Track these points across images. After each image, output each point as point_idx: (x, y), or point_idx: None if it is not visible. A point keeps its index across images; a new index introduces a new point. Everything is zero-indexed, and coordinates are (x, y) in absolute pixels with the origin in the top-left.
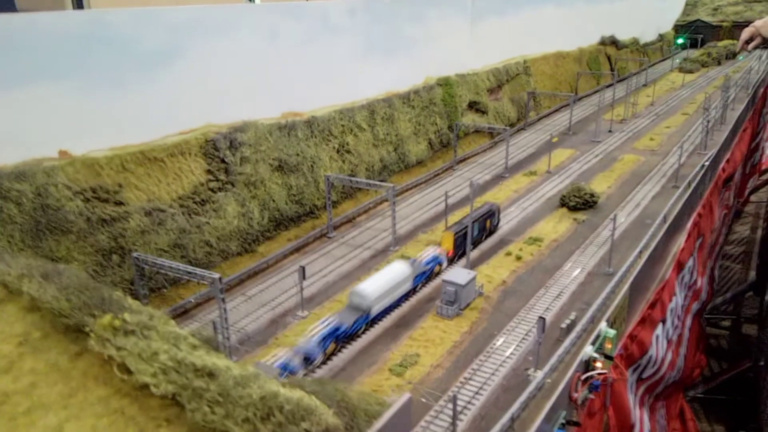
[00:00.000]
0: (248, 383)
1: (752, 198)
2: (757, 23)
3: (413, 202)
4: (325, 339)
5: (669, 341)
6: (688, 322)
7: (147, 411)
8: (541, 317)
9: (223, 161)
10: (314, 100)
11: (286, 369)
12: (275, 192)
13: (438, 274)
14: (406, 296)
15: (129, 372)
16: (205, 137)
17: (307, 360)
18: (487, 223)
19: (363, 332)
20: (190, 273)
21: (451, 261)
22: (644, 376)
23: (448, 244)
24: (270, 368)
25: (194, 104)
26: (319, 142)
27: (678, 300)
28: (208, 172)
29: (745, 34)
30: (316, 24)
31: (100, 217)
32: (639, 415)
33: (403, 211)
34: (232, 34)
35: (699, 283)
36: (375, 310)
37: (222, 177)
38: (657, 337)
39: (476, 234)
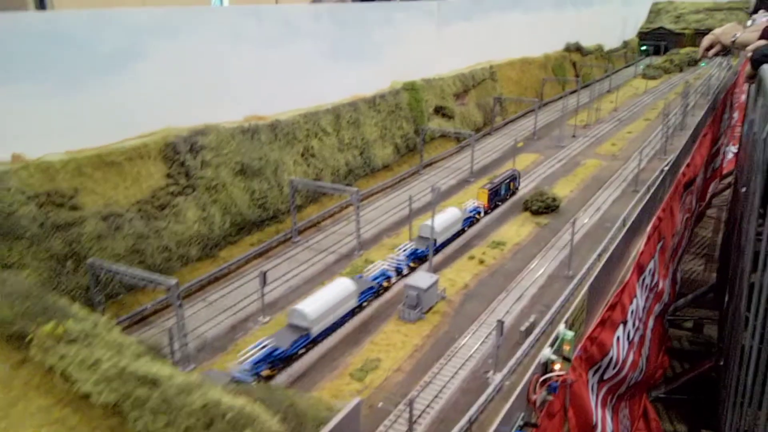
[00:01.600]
0: (191, 391)
1: (714, 201)
2: (717, 31)
3: (379, 206)
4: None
5: (631, 342)
6: (651, 323)
7: (89, 421)
8: (499, 321)
9: (183, 165)
10: (278, 103)
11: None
12: (237, 196)
13: (478, 221)
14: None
15: (71, 381)
16: (165, 140)
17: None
18: (511, 185)
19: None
20: (146, 279)
21: (487, 212)
22: (606, 377)
23: (484, 199)
24: (221, 376)
25: (155, 107)
26: (283, 146)
27: (639, 302)
28: (168, 176)
29: (706, 41)
30: (280, 28)
31: (54, 223)
32: (601, 416)
33: (368, 215)
34: (194, 37)
35: (661, 285)
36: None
37: (182, 181)
38: (618, 339)
39: (503, 192)
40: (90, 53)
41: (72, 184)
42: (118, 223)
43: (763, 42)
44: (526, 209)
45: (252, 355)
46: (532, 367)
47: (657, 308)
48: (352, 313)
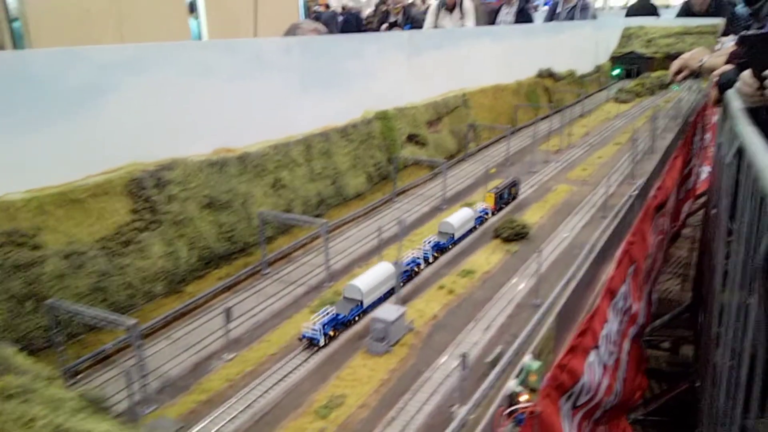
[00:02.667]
0: None
1: (690, 220)
2: (685, 56)
3: (351, 236)
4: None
5: (604, 367)
6: (626, 346)
7: None
8: (462, 354)
9: (148, 200)
10: (248, 135)
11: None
12: (205, 230)
13: (487, 220)
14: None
15: None
16: (130, 176)
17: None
18: (512, 189)
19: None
20: (105, 319)
21: (494, 213)
22: (579, 403)
23: (491, 201)
24: (168, 424)
25: (121, 142)
26: (252, 177)
27: (612, 326)
28: (133, 211)
29: (675, 66)
30: (251, 61)
31: (14, 263)
32: None
33: (340, 245)
34: (163, 72)
35: (635, 308)
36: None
37: (147, 216)
38: (590, 364)
39: (506, 196)
40: (56, 90)
41: (34, 223)
42: (80, 261)
43: (728, 67)
44: (496, 236)
45: (320, 319)
46: (497, 400)
47: (632, 331)
48: (392, 291)
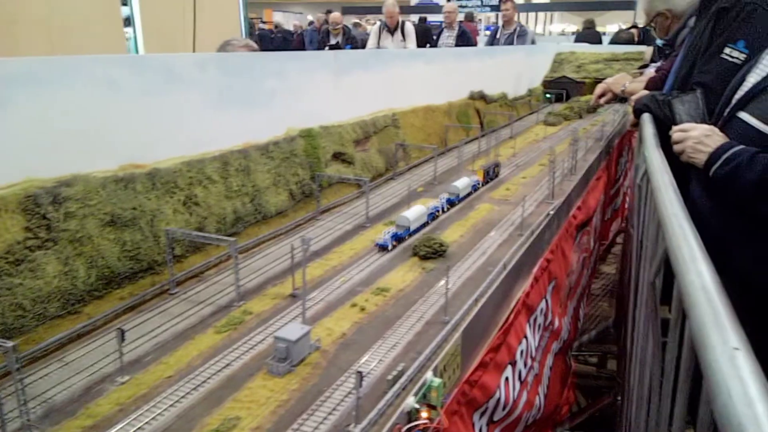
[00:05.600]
0: None
1: (619, 239)
2: (609, 80)
3: (269, 254)
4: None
5: (523, 382)
6: (549, 361)
7: None
8: (358, 371)
9: (44, 217)
10: (159, 151)
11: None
12: (105, 248)
13: (478, 189)
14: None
15: None
16: (25, 192)
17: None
18: (495, 169)
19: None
20: None
21: (483, 184)
22: (496, 418)
23: (481, 175)
24: None
25: (16, 158)
26: (162, 194)
27: (530, 342)
28: (27, 229)
29: (598, 89)
30: (162, 76)
31: None
32: None
33: (256, 264)
34: (64, 86)
35: (557, 323)
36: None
37: (42, 234)
38: (507, 380)
39: (491, 174)
40: None
41: None
42: None
43: (645, 92)
44: (414, 254)
45: (387, 235)
46: (393, 417)
47: (555, 346)
48: (425, 225)
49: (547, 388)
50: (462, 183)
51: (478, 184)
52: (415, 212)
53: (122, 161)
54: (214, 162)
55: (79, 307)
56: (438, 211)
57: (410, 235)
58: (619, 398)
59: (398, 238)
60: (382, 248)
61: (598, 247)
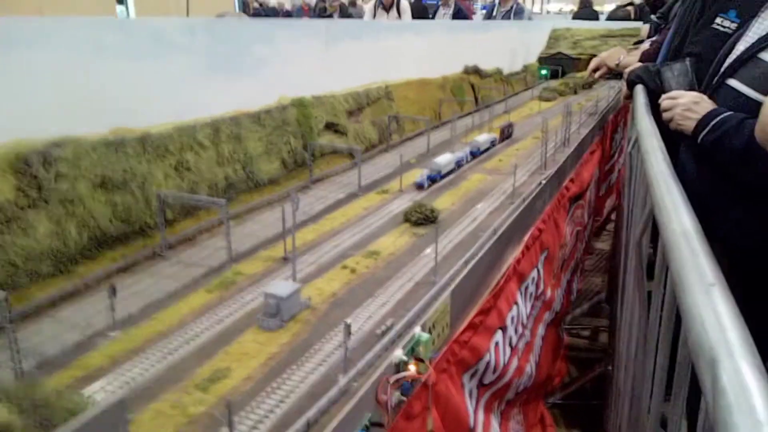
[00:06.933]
0: None
1: (612, 217)
2: (603, 55)
3: (262, 220)
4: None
5: (514, 348)
6: (541, 330)
7: None
8: (346, 322)
9: (35, 178)
10: (150, 116)
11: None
12: (97, 210)
13: (494, 146)
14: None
15: None
16: (15, 153)
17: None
18: (509, 129)
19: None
20: None
21: (500, 141)
22: (486, 381)
23: (497, 133)
24: None
25: (5, 120)
26: (153, 159)
27: (521, 309)
28: (18, 189)
29: (593, 63)
30: (150, 40)
31: None
32: (483, 420)
33: (249, 228)
34: (48, 47)
35: (549, 294)
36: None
37: (34, 194)
38: (497, 344)
39: (506, 133)
40: None
41: None
42: None
43: (639, 64)
44: (405, 220)
45: (423, 177)
46: (381, 368)
47: (547, 317)
48: (452, 171)
49: (539, 357)
50: (482, 138)
51: (496, 140)
52: (445, 159)
53: (113, 125)
54: (205, 128)
55: (71, 266)
56: (463, 160)
57: (441, 178)
58: (610, 368)
59: (432, 179)
60: (419, 186)
61: (592, 223)
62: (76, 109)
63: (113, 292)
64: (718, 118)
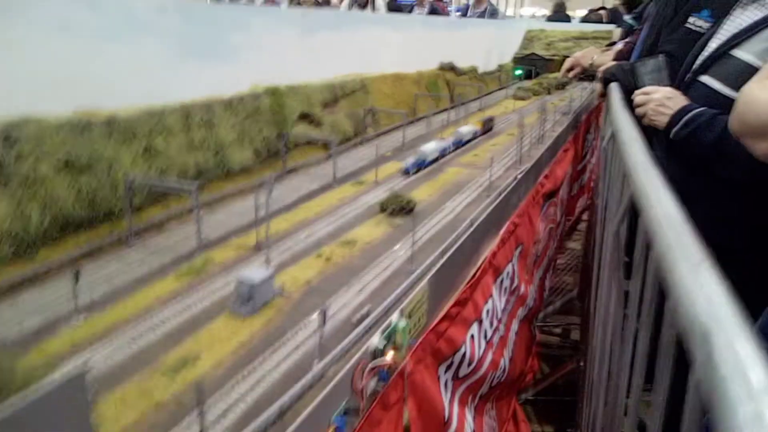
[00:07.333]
0: None
1: (584, 217)
2: (577, 54)
3: (233, 208)
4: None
5: (489, 342)
6: (515, 326)
7: None
8: (322, 308)
9: None
10: (117, 98)
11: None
12: (60, 193)
13: (475, 138)
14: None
15: None
16: None
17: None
18: (490, 122)
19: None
20: None
21: (481, 135)
22: (461, 374)
23: (479, 125)
24: None
25: None
26: (120, 142)
27: (496, 303)
28: None
29: (567, 63)
30: (118, 18)
31: None
32: (458, 413)
33: (220, 217)
34: (11, 23)
35: (523, 289)
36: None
37: None
38: (473, 337)
39: (487, 126)
40: None
41: None
42: None
43: (612, 63)
44: (382, 210)
45: (409, 164)
46: (357, 354)
47: (521, 312)
48: (436, 159)
49: (513, 353)
50: (465, 129)
51: (478, 131)
52: (430, 147)
53: (79, 107)
54: (174, 113)
55: (33, 250)
56: (447, 150)
57: (427, 165)
58: (582, 363)
59: (418, 166)
60: (406, 172)
61: (564, 221)
62: (39, 89)
63: (77, 277)
64: (691, 114)
